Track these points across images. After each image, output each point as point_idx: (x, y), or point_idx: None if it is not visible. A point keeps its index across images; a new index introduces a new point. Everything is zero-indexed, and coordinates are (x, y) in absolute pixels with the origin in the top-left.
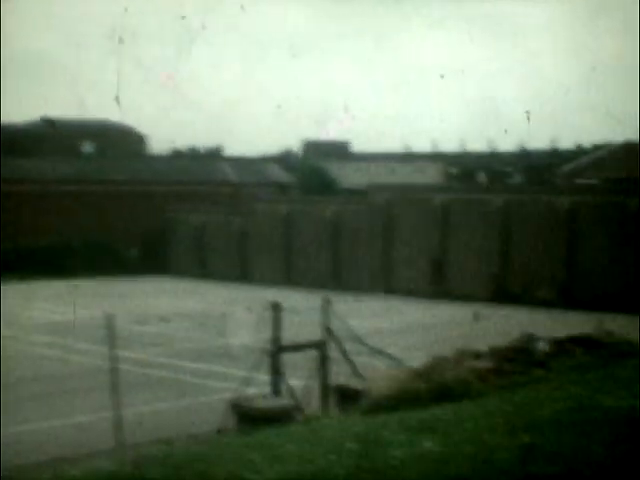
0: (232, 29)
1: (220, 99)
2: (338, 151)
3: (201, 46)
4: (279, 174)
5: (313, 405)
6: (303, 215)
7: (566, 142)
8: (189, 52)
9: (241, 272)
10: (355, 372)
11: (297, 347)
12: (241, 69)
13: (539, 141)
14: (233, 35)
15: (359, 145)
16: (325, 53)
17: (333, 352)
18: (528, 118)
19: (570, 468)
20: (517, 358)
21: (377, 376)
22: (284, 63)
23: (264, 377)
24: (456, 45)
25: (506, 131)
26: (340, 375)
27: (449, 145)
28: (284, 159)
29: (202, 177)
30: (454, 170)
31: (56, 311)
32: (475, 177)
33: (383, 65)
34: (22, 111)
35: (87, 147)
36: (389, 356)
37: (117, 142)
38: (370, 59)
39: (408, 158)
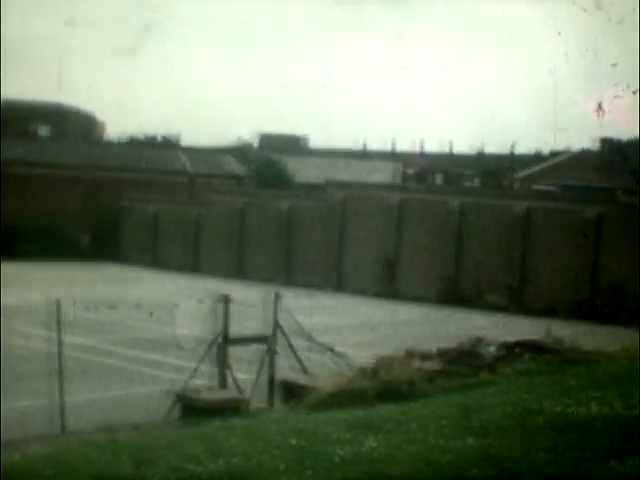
0: (192, 19)
1: (178, 89)
2: (294, 145)
3: (163, 35)
4: (234, 166)
5: (259, 399)
6: (258, 208)
7: (524, 148)
8: (150, 41)
9: (193, 263)
10: (302, 368)
11: (245, 340)
12: (201, 59)
13: (498, 145)
14: (195, 25)
15: (316, 140)
16: (284, 46)
17: (281, 347)
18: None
19: (512, 473)
20: (465, 361)
21: (324, 373)
22: (244, 55)
23: (211, 369)
24: (420, 44)
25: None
26: (287, 370)
27: (407, 145)
28: (240, 151)
29: (157, 166)
30: (411, 170)
31: (4, 294)
32: (432, 178)
33: (343, 60)
34: None
35: (42, 130)
36: (337, 353)
37: (73, 127)
38: (330, 54)
39: (365, 156)
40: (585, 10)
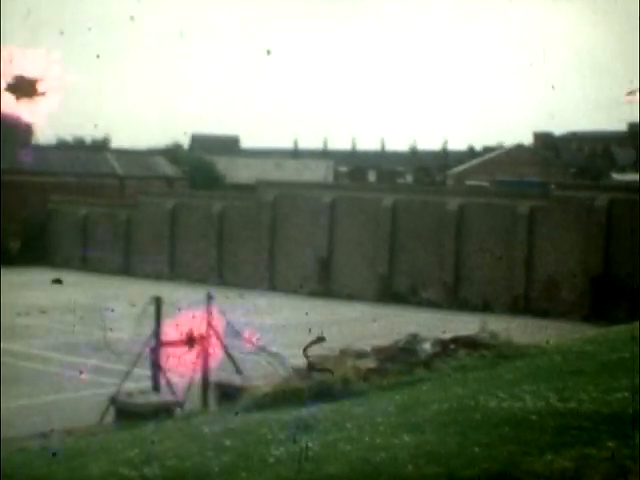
0: (124, 18)
1: (108, 90)
2: (226, 146)
3: (90, 35)
4: (165, 167)
5: (193, 401)
6: (189, 209)
7: (458, 144)
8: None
9: (125, 265)
10: (236, 369)
11: (177, 342)
12: (130, 60)
13: (431, 142)
14: (126, 24)
15: (248, 140)
16: (218, 45)
17: (214, 348)
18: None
19: (448, 469)
20: (400, 358)
21: (258, 373)
22: (175, 54)
23: (144, 372)
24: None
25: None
26: (221, 371)
27: (340, 143)
28: (171, 152)
29: (87, 168)
30: (344, 168)
31: None
32: (365, 176)
33: (274, 60)
34: None
35: None
36: (271, 353)
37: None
38: (262, 54)
39: (297, 155)
40: None
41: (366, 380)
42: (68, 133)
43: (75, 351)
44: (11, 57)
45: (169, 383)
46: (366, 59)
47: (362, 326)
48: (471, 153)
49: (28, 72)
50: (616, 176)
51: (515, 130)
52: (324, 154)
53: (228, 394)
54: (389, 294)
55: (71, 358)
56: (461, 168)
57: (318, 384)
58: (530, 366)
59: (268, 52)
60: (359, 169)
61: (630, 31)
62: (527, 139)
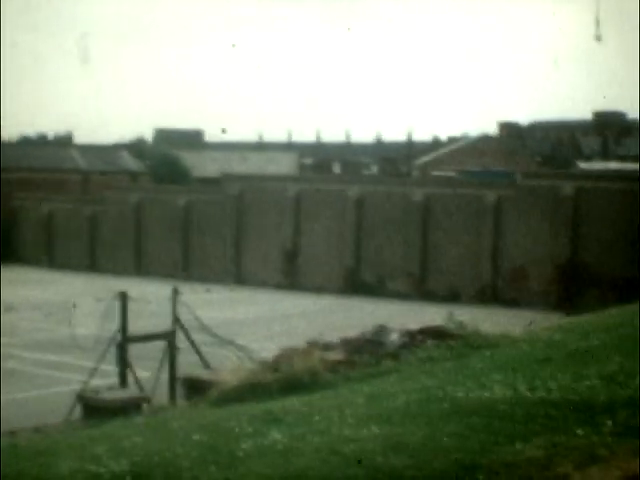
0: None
1: (70, 86)
2: (191, 139)
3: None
4: (130, 162)
5: (161, 396)
6: (154, 204)
7: (422, 134)
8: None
9: (90, 261)
10: (204, 363)
11: (145, 337)
12: (91, 56)
13: (396, 132)
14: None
15: (212, 134)
16: (184, 39)
17: (182, 343)
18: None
19: (417, 459)
20: (367, 349)
21: (225, 367)
22: (139, 50)
23: (111, 368)
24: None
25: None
26: (189, 366)
27: (304, 135)
28: (135, 147)
29: (50, 164)
30: (308, 160)
31: None
32: (330, 168)
33: (238, 53)
34: None
35: None
36: (239, 347)
37: None
38: (228, 47)
39: (262, 147)
40: None
41: (334, 372)
42: (31, 129)
43: (42, 348)
44: None
45: (136, 379)
46: (331, 51)
47: (329, 318)
48: (436, 143)
49: None
50: (582, 165)
51: (479, 120)
52: (289, 146)
53: (196, 388)
54: (356, 286)
55: (38, 355)
56: (427, 158)
57: (286, 376)
58: (498, 356)
59: (233, 45)
60: (324, 161)
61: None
62: (492, 129)
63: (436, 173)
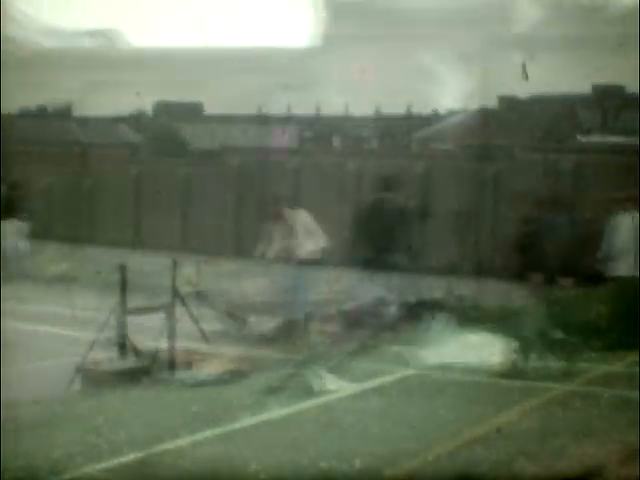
0: None
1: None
2: (191, 112)
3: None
4: (129, 135)
5: (160, 368)
6: (154, 176)
7: (421, 107)
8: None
9: (89, 234)
10: (203, 335)
11: (143, 309)
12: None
13: (395, 106)
14: None
15: (213, 106)
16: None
17: (181, 315)
18: None
19: (417, 432)
20: (366, 322)
21: (225, 340)
22: (135, 19)
23: (111, 340)
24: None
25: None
26: (188, 338)
27: (304, 108)
28: (135, 120)
29: (49, 137)
30: (309, 134)
31: None
32: (330, 141)
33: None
34: None
35: None
36: (238, 319)
37: None
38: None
39: (262, 121)
40: None
41: (332, 344)
42: (31, 102)
43: (41, 320)
44: None
45: (136, 350)
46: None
47: (327, 290)
48: (435, 117)
49: None
50: (581, 138)
51: (479, 93)
52: (288, 119)
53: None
54: (354, 258)
55: (37, 327)
56: (426, 132)
57: (284, 349)
58: (497, 328)
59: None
60: (323, 134)
61: None
62: (491, 103)
63: (434, 146)
